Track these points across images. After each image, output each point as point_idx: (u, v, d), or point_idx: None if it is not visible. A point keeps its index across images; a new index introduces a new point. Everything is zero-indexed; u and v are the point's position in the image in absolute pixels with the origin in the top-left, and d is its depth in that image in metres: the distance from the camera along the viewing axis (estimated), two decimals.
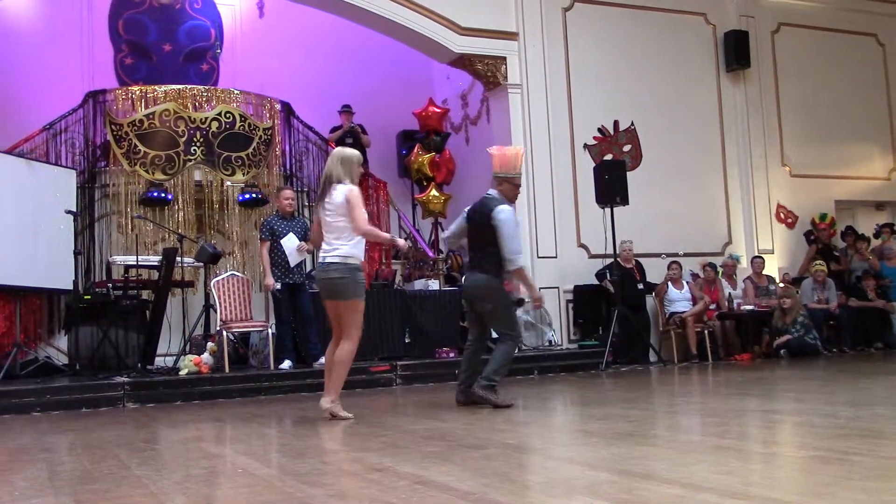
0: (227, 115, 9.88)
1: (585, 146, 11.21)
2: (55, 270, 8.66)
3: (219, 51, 12.47)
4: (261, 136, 10.16)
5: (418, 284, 10.27)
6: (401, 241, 5.80)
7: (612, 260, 10.13)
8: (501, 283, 5.93)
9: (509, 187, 5.94)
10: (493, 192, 5.97)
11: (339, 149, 5.73)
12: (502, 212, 5.77)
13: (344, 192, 5.33)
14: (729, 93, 12.17)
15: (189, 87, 10.24)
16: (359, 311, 5.42)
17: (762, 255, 11.59)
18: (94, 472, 3.74)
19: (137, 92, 9.92)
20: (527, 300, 5.95)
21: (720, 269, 11.21)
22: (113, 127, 9.71)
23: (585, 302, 10.66)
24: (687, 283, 10.78)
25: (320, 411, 5.42)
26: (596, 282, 10.57)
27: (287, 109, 10.88)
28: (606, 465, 3.37)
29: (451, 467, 3.44)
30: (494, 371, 5.83)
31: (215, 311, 8.64)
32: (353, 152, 5.59)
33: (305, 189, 10.87)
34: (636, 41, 11.63)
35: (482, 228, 5.84)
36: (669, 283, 10.67)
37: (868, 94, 13.18)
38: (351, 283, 5.34)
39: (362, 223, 5.33)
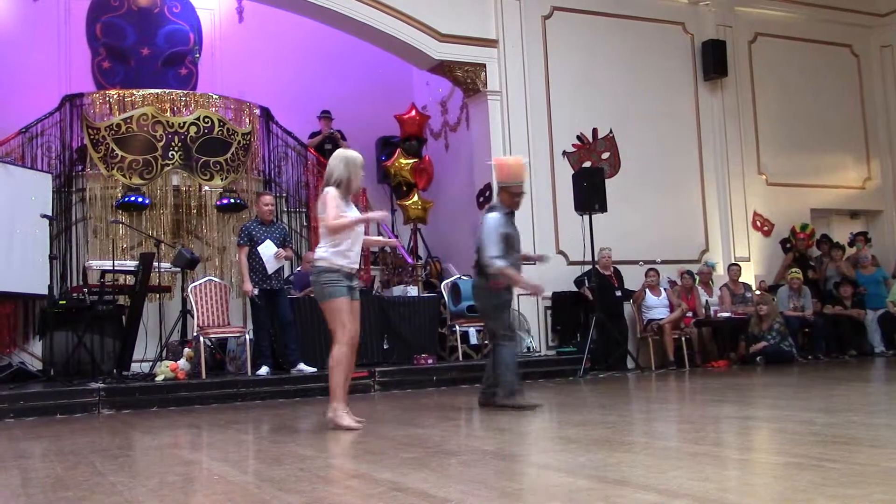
0: (206, 120, 9.84)
1: (564, 153, 11.26)
2: (30, 275, 8.57)
3: (197, 55, 12.42)
4: (239, 141, 10.12)
5: (397, 290, 10.26)
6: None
7: (590, 267, 10.17)
8: (486, 284, 6.10)
9: (506, 196, 6.20)
10: (495, 199, 6.36)
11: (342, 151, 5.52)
12: (486, 218, 6.11)
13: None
14: (706, 101, 12.27)
15: (167, 91, 10.18)
16: (330, 311, 5.30)
17: (738, 263, 11.67)
18: (68, 479, 3.71)
19: (115, 96, 9.86)
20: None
21: (697, 277, 11.28)
22: (90, 131, 9.64)
23: (563, 308, 10.68)
24: (664, 290, 10.84)
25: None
26: (574, 288, 10.60)
27: (266, 114, 10.85)
28: (584, 471, 3.38)
29: (428, 474, 3.43)
30: (504, 380, 6.01)
31: (192, 317, 8.59)
32: (351, 154, 5.42)
33: (284, 194, 10.84)
34: (615, 49, 11.70)
35: (479, 233, 6.19)
36: (647, 290, 10.72)
37: (843, 104, 13.33)
38: (317, 285, 5.32)
39: (331, 219, 5.21)
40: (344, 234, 5.24)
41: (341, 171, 5.28)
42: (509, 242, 6.05)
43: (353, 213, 5.30)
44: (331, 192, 5.23)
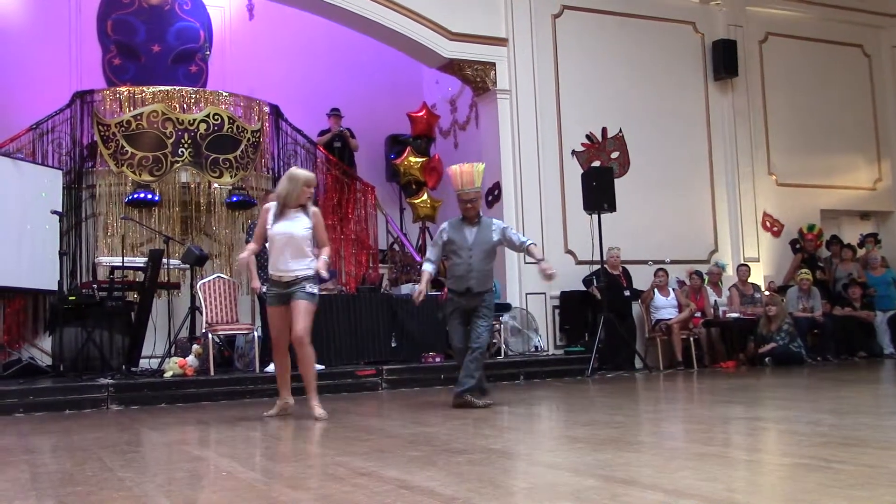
0: (216, 117, 9.85)
1: (573, 152, 11.24)
2: (40, 271, 8.61)
3: (208, 52, 12.44)
4: (249, 138, 10.13)
5: (405, 289, 10.26)
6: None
7: (598, 266, 10.15)
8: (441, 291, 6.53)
9: (458, 203, 6.38)
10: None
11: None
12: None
13: None
14: (717, 101, 12.23)
15: (177, 88, 10.21)
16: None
17: (748, 263, 11.64)
18: (77, 474, 3.72)
19: (125, 93, 9.89)
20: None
21: (706, 277, 11.25)
22: (100, 127, 9.67)
23: (572, 308, 10.67)
24: (673, 290, 10.81)
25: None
26: (583, 288, 10.58)
27: (276, 112, 10.86)
28: (591, 470, 3.37)
29: (435, 472, 3.44)
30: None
31: (201, 314, 8.61)
32: (296, 172, 5.95)
33: None
34: (625, 49, 11.67)
35: None
36: (655, 290, 10.70)
37: (854, 105, 13.27)
38: None
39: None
40: (269, 246, 5.88)
41: (283, 187, 5.86)
42: (452, 248, 6.25)
43: (280, 227, 5.77)
44: (263, 209, 6.00)
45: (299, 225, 5.76)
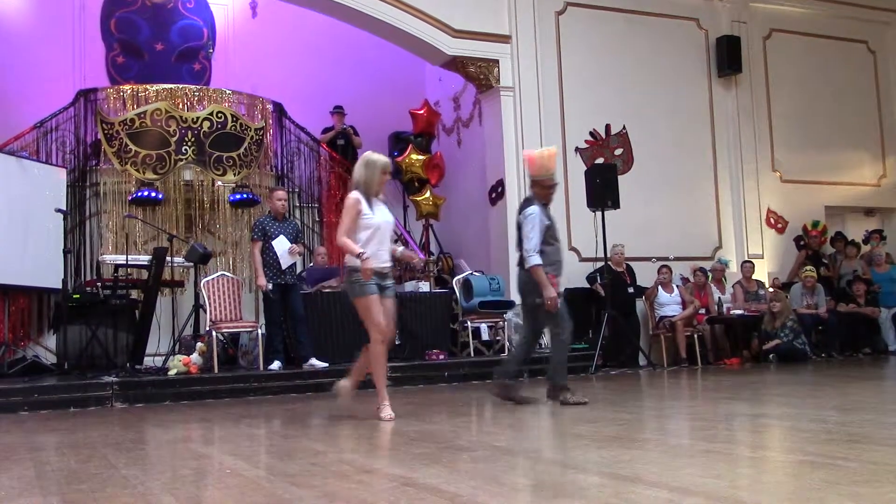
0: (219, 115, 9.86)
1: (577, 150, 11.23)
2: (44, 269, 8.62)
3: (211, 50, 12.45)
4: (252, 136, 10.14)
5: (409, 286, 10.26)
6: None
7: (602, 263, 10.14)
8: (530, 279, 6.08)
9: (539, 189, 6.26)
10: (529, 193, 6.40)
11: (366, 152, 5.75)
12: (527, 211, 6.13)
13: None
14: (721, 98, 12.21)
15: (181, 86, 10.21)
16: (362, 308, 5.44)
17: (752, 260, 11.62)
18: (82, 471, 3.73)
19: (129, 91, 9.89)
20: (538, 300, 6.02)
21: (710, 274, 11.24)
22: (104, 126, 9.68)
23: (576, 305, 10.57)
24: (677, 287, 10.80)
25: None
26: (586, 285, 10.57)
27: (279, 110, 10.87)
28: (595, 468, 3.37)
29: (439, 469, 3.44)
30: (552, 373, 6.24)
31: (205, 312, 8.62)
32: (372, 157, 5.57)
33: (296, 190, 10.85)
34: (629, 45, 11.66)
35: (519, 228, 6.24)
36: (659, 287, 10.68)
37: (858, 101, 13.24)
38: (347, 285, 5.57)
39: (339, 233, 5.42)
40: (366, 237, 5.39)
41: (360, 174, 5.51)
42: (551, 233, 6.15)
43: (378, 216, 5.45)
44: (350, 200, 5.45)
45: (388, 214, 5.58)
